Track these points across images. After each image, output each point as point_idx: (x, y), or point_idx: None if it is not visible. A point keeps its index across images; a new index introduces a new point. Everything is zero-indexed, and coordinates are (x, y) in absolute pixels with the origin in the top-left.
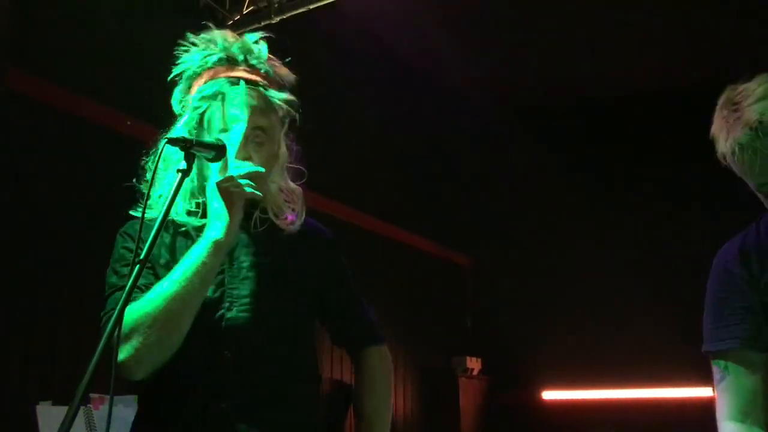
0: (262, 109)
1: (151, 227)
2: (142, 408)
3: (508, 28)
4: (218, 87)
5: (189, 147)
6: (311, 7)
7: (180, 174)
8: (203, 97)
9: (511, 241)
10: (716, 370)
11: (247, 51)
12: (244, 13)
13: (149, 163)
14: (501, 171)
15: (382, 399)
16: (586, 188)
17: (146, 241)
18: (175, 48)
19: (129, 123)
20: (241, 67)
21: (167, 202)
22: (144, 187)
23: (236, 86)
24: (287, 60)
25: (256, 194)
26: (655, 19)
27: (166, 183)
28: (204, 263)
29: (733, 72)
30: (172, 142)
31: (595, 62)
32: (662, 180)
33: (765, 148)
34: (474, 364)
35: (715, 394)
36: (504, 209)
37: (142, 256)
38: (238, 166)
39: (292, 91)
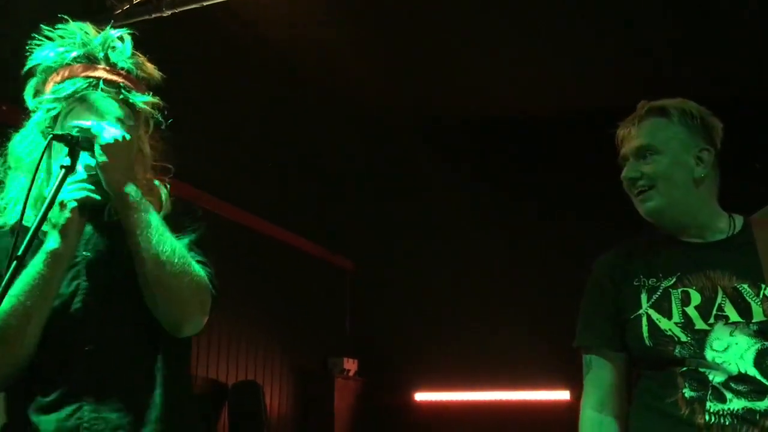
0: (122, 115)
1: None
2: (9, 408)
3: (405, 43)
4: (76, 88)
5: (74, 144)
6: (204, 4)
7: (63, 170)
8: (58, 98)
9: (393, 247)
10: (584, 364)
11: (108, 48)
12: (134, 3)
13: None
14: (388, 178)
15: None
16: (465, 200)
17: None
18: (43, 36)
19: (4, 108)
20: (100, 66)
21: (48, 201)
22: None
23: (95, 89)
24: (164, 55)
25: (95, 198)
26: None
27: (16, 186)
28: (42, 275)
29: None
30: (58, 138)
31: (484, 82)
32: (538, 195)
33: None
34: (350, 365)
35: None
36: (388, 216)
37: (19, 253)
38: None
39: (157, 90)
